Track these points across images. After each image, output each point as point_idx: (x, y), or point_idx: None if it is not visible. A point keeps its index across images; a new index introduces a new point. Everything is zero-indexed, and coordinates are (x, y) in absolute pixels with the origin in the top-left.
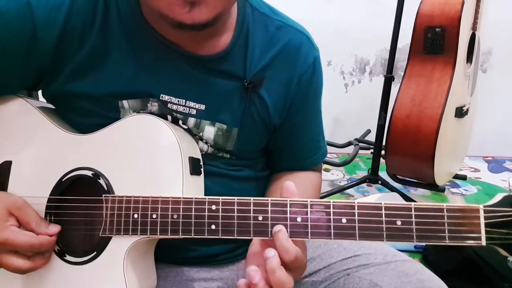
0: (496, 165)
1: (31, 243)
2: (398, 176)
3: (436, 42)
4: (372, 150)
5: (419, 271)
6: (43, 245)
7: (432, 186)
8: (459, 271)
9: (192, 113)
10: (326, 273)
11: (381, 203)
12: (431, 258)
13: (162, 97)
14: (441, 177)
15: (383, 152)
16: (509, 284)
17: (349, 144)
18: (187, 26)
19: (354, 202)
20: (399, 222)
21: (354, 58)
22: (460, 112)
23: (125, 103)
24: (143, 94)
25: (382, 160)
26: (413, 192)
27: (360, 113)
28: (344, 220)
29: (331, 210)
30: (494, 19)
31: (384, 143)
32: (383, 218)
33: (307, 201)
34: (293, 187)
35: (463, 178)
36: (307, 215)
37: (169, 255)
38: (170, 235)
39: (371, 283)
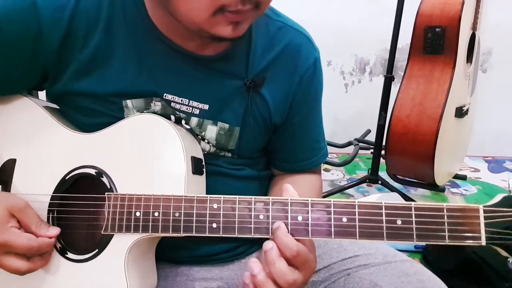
0: (496, 165)
1: (30, 246)
2: (398, 176)
3: (436, 42)
4: (372, 150)
5: (419, 271)
6: (42, 247)
7: (432, 186)
8: (459, 271)
9: (195, 112)
10: (326, 273)
11: (381, 203)
12: (431, 258)
13: (165, 96)
14: (441, 177)
15: (383, 152)
16: (509, 284)
17: (349, 144)
18: (226, 39)
19: (355, 202)
20: (399, 222)
21: (354, 58)
22: (460, 112)
23: (129, 102)
24: (147, 94)
25: (382, 160)
26: (413, 192)
27: (360, 113)
28: (344, 219)
29: (332, 209)
30: (494, 19)
31: (384, 143)
32: (384, 218)
33: (308, 200)
34: (293, 189)
35: (463, 178)
36: (308, 214)
37: (170, 253)
38: (172, 233)
39: (371, 283)
